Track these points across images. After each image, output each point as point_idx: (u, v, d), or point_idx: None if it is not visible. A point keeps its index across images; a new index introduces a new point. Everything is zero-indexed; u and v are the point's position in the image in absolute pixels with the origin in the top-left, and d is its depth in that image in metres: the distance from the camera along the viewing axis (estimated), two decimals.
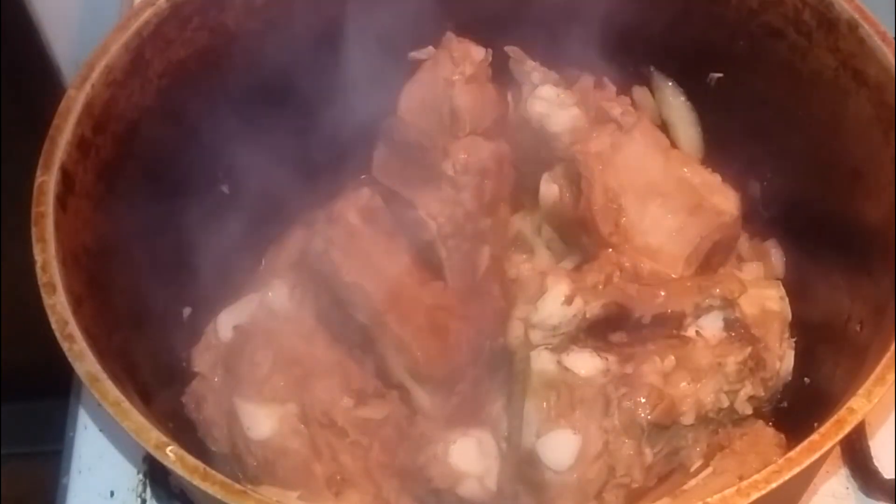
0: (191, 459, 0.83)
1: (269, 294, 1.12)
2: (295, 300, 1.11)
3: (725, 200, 1.13)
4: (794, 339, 1.10)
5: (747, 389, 1.01)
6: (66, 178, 0.97)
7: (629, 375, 0.96)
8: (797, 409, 1.08)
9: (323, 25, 1.14)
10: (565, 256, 1.16)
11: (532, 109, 1.14)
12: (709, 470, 1.01)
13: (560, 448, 0.95)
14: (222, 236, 1.15)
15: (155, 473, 1.14)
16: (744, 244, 1.21)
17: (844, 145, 1.06)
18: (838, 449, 1.14)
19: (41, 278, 0.91)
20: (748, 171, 1.20)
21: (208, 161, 1.13)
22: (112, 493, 1.15)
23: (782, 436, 1.05)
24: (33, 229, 0.93)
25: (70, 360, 0.88)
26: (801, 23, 1.08)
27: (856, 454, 1.14)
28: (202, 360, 1.12)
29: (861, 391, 0.85)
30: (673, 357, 0.98)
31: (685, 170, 1.14)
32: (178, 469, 0.83)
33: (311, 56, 1.15)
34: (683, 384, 0.98)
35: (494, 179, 1.09)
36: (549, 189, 1.14)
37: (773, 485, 0.81)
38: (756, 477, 0.81)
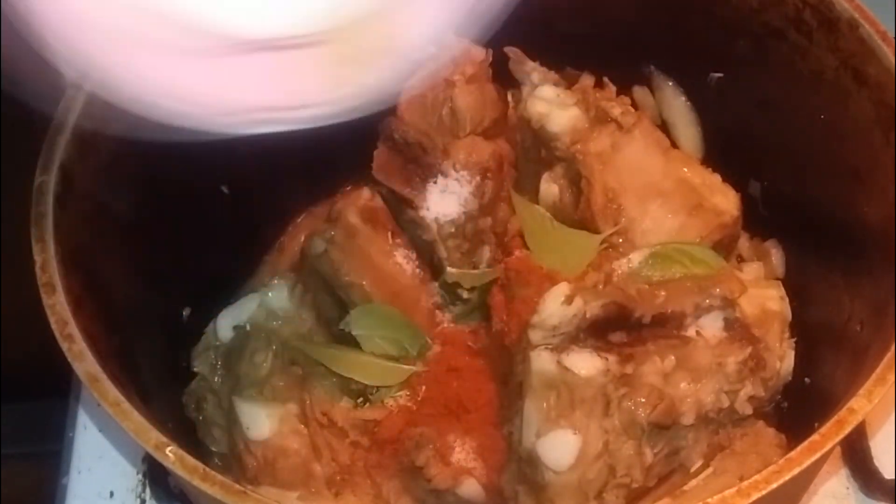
0: (191, 459, 0.83)
1: (269, 294, 1.12)
2: (295, 300, 1.11)
3: (725, 200, 1.13)
4: (794, 339, 1.10)
5: (747, 389, 1.01)
6: (66, 178, 0.96)
7: (629, 375, 0.96)
8: (797, 409, 1.08)
9: None
10: None
11: (532, 109, 1.14)
12: (709, 470, 1.01)
13: (560, 448, 0.95)
14: (222, 236, 1.15)
15: (155, 474, 1.14)
16: (744, 244, 1.21)
17: (844, 145, 1.06)
18: (838, 449, 1.14)
19: (41, 278, 0.91)
20: (748, 171, 1.19)
21: (208, 161, 1.13)
22: (112, 494, 1.15)
23: (783, 436, 1.05)
24: (33, 229, 0.93)
25: (70, 360, 0.88)
26: (801, 22, 1.07)
27: (856, 454, 1.14)
28: (202, 360, 1.12)
29: (861, 391, 0.85)
30: (673, 357, 0.98)
31: (685, 170, 1.14)
32: (178, 469, 0.83)
33: None
34: (683, 384, 0.98)
35: (494, 179, 1.09)
36: (549, 189, 1.14)
37: (774, 485, 0.81)
38: (756, 477, 0.81)
